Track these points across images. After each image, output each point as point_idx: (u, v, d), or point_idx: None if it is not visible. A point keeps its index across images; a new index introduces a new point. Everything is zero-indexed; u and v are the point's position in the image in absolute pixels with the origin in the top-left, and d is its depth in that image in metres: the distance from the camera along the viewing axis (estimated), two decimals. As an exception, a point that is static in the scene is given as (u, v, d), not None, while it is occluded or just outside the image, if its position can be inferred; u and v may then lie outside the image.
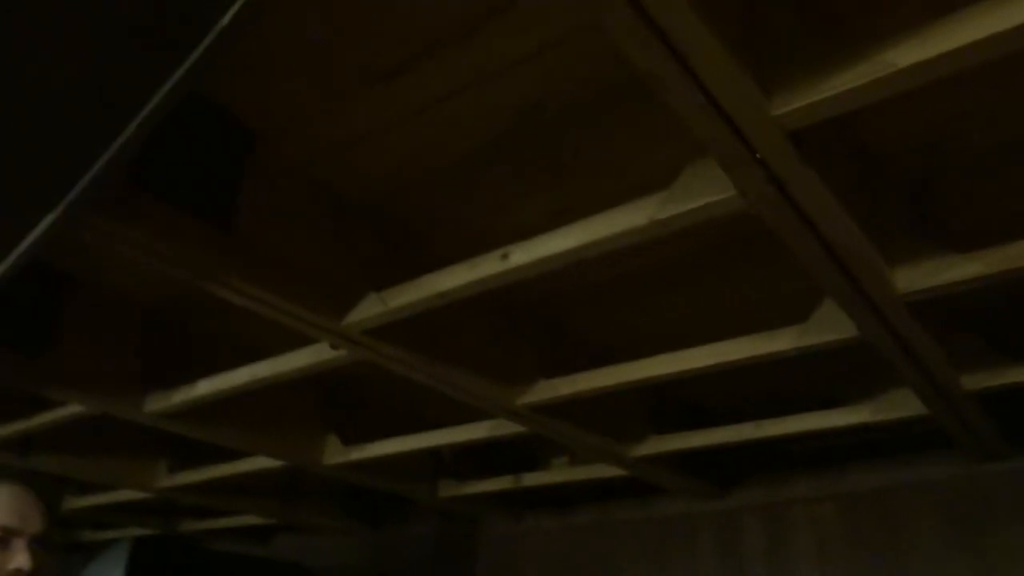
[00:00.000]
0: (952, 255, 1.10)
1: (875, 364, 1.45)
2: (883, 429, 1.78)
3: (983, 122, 1.08)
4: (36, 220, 0.99)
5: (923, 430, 1.82)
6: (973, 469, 1.91)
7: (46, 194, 0.96)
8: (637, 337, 1.66)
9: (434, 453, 2.42)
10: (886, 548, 1.98)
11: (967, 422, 1.62)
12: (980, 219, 1.22)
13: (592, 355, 1.71)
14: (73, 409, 1.89)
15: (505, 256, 1.11)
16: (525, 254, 1.09)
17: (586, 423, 1.77)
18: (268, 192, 1.25)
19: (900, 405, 1.61)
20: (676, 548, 2.36)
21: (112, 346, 1.75)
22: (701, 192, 0.96)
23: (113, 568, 2.70)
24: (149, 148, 1.10)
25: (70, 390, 1.72)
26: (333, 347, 1.39)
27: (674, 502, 2.38)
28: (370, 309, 1.28)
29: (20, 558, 0.93)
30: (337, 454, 2.11)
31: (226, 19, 0.71)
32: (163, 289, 1.71)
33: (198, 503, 2.86)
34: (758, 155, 0.86)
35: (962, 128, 1.10)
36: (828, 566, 2.06)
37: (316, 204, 1.31)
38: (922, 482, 1.97)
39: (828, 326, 1.28)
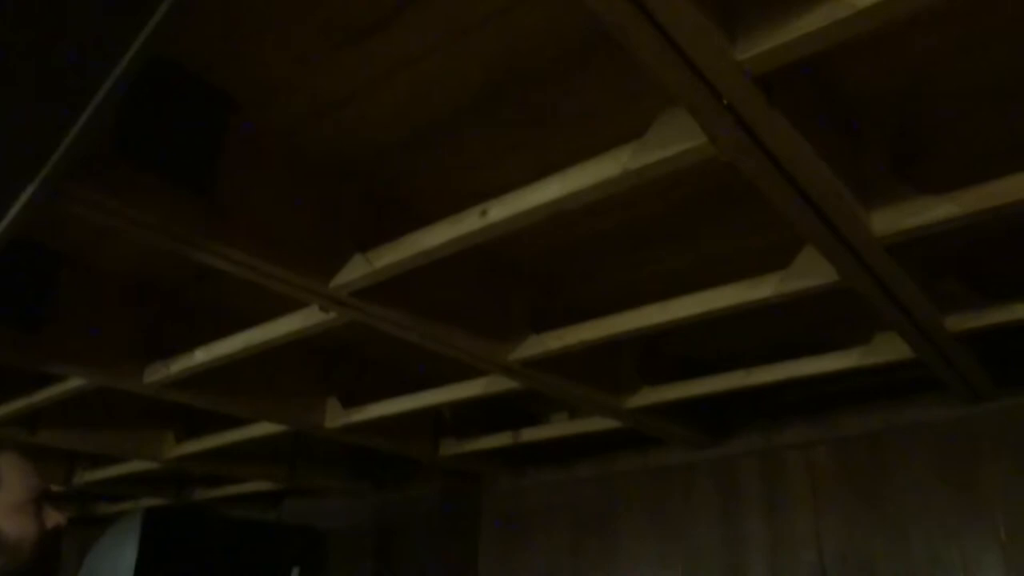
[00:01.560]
0: (928, 197, 1.11)
1: (863, 309, 1.46)
2: (874, 373, 1.80)
3: (957, 64, 1.07)
4: (15, 193, 1.00)
5: (913, 374, 1.85)
6: (962, 411, 1.93)
7: (23, 167, 0.97)
8: (625, 291, 1.67)
9: (434, 412, 2.45)
10: (878, 489, 2.02)
11: (954, 364, 1.64)
12: (957, 161, 1.22)
13: (582, 310, 1.72)
14: (75, 383, 1.92)
15: (484, 212, 1.12)
16: (503, 209, 1.10)
17: (579, 377, 1.80)
18: (250, 158, 1.26)
19: (888, 349, 1.63)
20: (675, 496, 2.41)
21: (109, 320, 1.78)
22: (673, 141, 0.97)
23: (127, 538, 2.75)
24: (128, 118, 1.12)
25: (69, 364, 1.75)
26: (323, 310, 1.41)
27: (672, 452, 2.42)
28: (356, 270, 1.30)
29: (55, 515, 0.99)
30: (338, 416, 2.15)
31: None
32: (155, 262, 1.72)
33: (208, 472, 2.92)
34: (725, 101, 0.86)
35: (937, 71, 1.10)
36: (823, 508, 2.10)
37: (298, 169, 1.32)
38: (913, 425, 2.00)
39: (809, 272, 1.30)
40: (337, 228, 1.34)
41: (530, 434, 2.33)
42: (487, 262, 1.63)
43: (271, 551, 2.94)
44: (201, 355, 1.70)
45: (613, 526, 2.52)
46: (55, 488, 0.97)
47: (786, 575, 2.12)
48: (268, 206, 1.27)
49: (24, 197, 0.99)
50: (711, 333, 1.73)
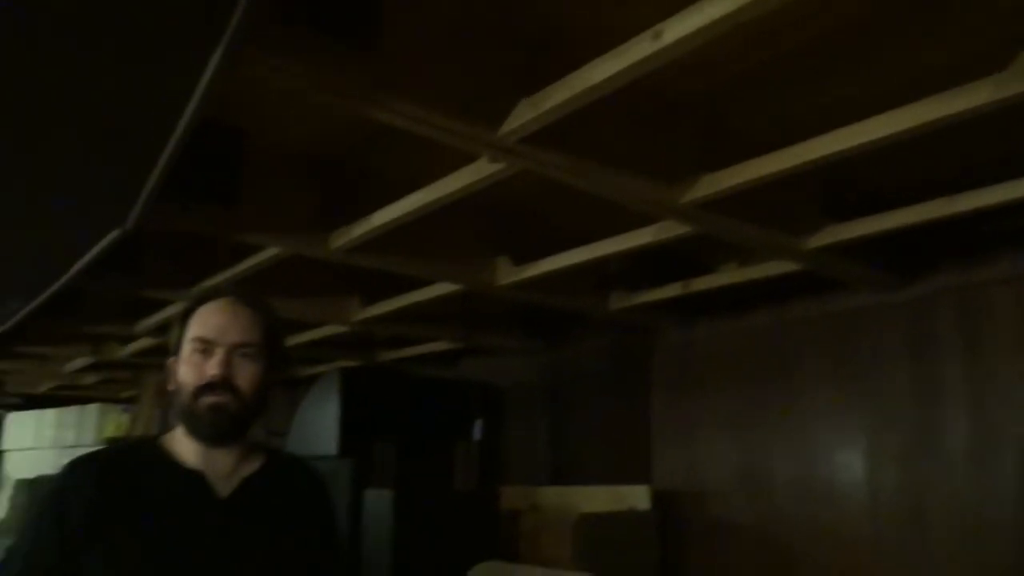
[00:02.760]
0: None
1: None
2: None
3: None
4: (206, 60, 1.05)
5: None
6: None
7: (207, 35, 1.01)
8: (800, 124, 1.53)
9: (603, 267, 2.45)
10: (1102, 323, 1.83)
11: None
12: None
13: (755, 148, 1.61)
14: (269, 253, 2.08)
15: (658, 35, 1.05)
16: (679, 28, 1.02)
17: (755, 218, 1.72)
18: (409, 13, 1.24)
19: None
20: (859, 343, 2.30)
21: (292, 192, 1.89)
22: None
23: (329, 395, 3.03)
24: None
25: (263, 234, 1.89)
26: (492, 160, 1.41)
27: (855, 296, 2.30)
28: (523, 116, 1.28)
29: (212, 364, 0.98)
30: (509, 274, 2.20)
31: None
32: (330, 132, 1.78)
33: (391, 334, 3.13)
34: None
35: None
36: (1033, 348, 1.94)
37: (454, 20, 1.29)
38: None
39: (1034, 71, 1.13)
40: (498, 76, 1.32)
41: (701, 283, 2.29)
42: (651, 102, 1.55)
43: (455, 405, 3.14)
44: (380, 217, 1.77)
45: (791, 373, 2.47)
46: (232, 341, 0.93)
47: (990, 426, 2.00)
48: (430, 58, 1.27)
49: (213, 64, 1.04)
50: (905, 159, 1.57)
